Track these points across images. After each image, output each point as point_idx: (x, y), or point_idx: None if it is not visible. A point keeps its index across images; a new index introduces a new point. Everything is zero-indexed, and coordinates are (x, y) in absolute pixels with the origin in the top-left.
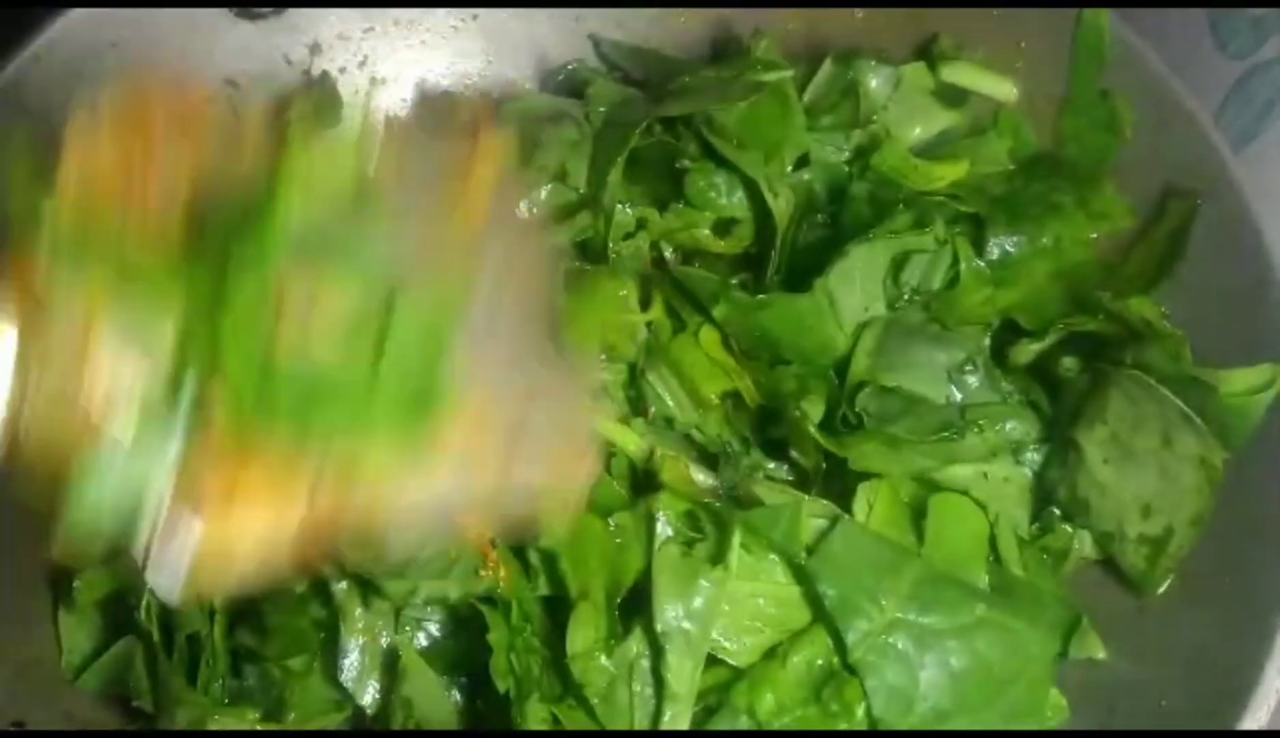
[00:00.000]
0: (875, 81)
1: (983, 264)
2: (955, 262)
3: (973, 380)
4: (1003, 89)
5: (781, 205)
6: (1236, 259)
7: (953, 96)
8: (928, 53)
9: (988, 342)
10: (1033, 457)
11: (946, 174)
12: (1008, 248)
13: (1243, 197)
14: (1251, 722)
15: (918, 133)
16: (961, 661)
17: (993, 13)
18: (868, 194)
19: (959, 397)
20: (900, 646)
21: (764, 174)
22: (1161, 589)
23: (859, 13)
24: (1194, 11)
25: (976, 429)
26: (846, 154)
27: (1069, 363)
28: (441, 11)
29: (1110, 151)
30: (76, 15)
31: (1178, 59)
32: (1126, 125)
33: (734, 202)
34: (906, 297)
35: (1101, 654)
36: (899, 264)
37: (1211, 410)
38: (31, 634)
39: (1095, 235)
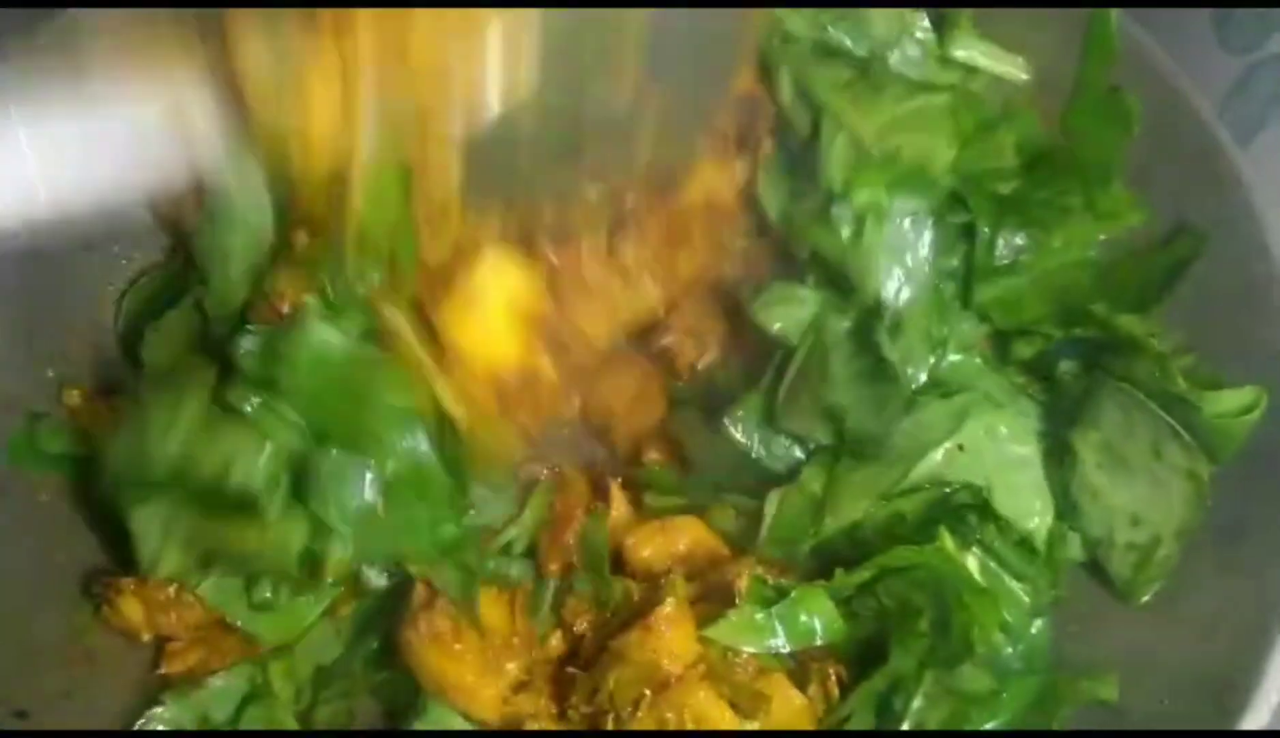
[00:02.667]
0: None
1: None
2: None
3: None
4: (1012, 68)
5: None
6: (1241, 254)
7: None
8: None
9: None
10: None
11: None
12: (1015, 249)
13: (1248, 191)
14: (1252, 722)
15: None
16: None
17: (997, 11)
18: None
19: None
20: None
21: None
22: (1145, 598)
23: None
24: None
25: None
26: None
27: (1067, 366)
28: None
29: (1118, 147)
30: (76, 14)
31: (1181, 54)
32: (1134, 121)
33: None
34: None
35: (1114, 696)
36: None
37: (1198, 426)
38: (34, 622)
39: (1102, 237)
